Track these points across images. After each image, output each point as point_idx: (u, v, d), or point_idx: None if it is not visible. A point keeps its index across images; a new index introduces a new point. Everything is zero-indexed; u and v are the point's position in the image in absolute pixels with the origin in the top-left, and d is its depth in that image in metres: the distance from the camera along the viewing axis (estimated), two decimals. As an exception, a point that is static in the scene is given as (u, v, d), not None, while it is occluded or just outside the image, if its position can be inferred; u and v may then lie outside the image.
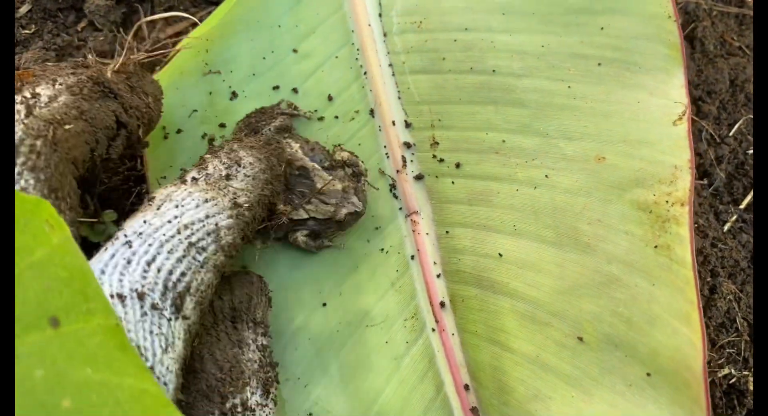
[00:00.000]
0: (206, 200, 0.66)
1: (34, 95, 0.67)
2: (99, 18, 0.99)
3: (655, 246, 0.79)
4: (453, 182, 0.89)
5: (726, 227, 1.02)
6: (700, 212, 1.02)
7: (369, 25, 0.95)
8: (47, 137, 0.63)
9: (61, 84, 0.70)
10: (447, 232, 0.87)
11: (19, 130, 0.62)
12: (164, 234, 0.62)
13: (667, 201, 0.80)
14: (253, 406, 0.65)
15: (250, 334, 0.69)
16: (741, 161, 1.08)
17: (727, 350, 0.95)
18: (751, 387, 0.92)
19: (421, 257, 0.86)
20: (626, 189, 0.83)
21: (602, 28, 0.91)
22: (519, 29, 0.93)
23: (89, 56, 0.77)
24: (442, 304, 0.84)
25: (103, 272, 0.59)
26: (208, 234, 0.64)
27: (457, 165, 0.89)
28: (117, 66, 0.74)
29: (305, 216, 0.81)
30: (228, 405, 0.64)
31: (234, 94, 0.92)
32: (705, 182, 1.06)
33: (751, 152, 1.07)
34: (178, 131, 0.88)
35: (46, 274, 0.41)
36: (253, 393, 0.66)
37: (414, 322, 0.84)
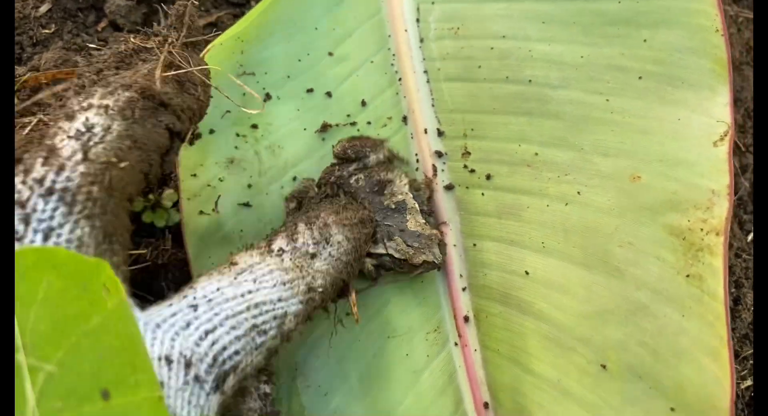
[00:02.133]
0: (284, 283, 0.65)
1: (90, 128, 0.63)
2: (120, 18, 0.99)
3: (687, 275, 0.77)
4: (483, 194, 0.88)
5: (750, 237, 1.00)
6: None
7: (406, 30, 0.94)
8: (103, 183, 0.61)
9: (113, 109, 0.64)
10: (474, 245, 0.86)
11: (76, 178, 0.59)
12: (232, 308, 0.61)
13: (701, 229, 0.78)
14: None
15: (252, 382, 0.68)
16: (766, 170, 1.05)
17: (750, 361, 0.93)
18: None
19: (448, 270, 0.86)
20: (660, 212, 0.80)
21: (645, 41, 0.88)
22: (558, 39, 0.91)
23: (131, 40, 0.71)
24: (466, 319, 0.84)
25: (158, 326, 0.58)
26: (275, 318, 0.63)
27: (488, 177, 0.88)
28: (165, 73, 0.68)
29: (383, 251, 0.81)
30: None
31: (268, 96, 0.92)
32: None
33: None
34: (211, 131, 0.89)
35: (100, 343, 0.42)
36: None
37: (437, 335, 0.83)
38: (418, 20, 0.95)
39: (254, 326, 0.61)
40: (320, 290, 0.68)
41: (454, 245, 0.87)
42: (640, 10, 0.89)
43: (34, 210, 0.58)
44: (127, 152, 0.63)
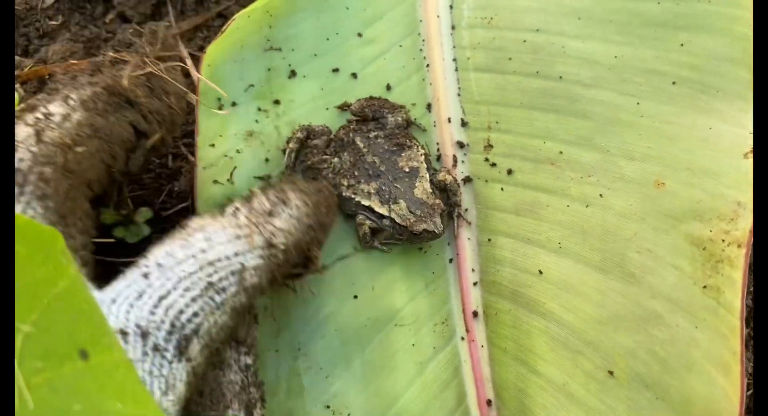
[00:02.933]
0: (238, 237, 0.62)
1: (47, 116, 0.65)
2: (128, 10, 0.98)
3: (704, 286, 0.76)
4: (502, 189, 0.86)
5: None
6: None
7: (438, 16, 0.92)
8: (57, 164, 0.61)
9: (74, 100, 0.67)
10: (489, 240, 0.85)
11: (28, 158, 0.60)
12: (184, 270, 0.59)
13: (723, 240, 0.76)
14: None
15: (232, 354, 0.67)
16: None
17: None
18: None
19: (460, 262, 0.85)
20: (682, 220, 0.79)
21: (682, 45, 0.86)
22: (593, 36, 0.89)
23: (108, 53, 0.74)
24: (475, 314, 0.83)
25: (113, 301, 0.57)
26: (232, 274, 0.60)
27: (509, 172, 0.86)
28: (133, 74, 0.71)
29: (386, 213, 0.81)
30: None
31: (293, 73, 0.91)
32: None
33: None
34: (233, 104, 0.88)
35: (71, 305, 0.41)
36: None
37: (444, 328, 0.82)
38: (451, 7, 0.93)
39: (210, 284, 0.59)
40: (282, 247, 0.64)
41: (468, 239, 0.85)
42: (680, 12, 0.87)
43: None
44: (86, 139, 0.65)
